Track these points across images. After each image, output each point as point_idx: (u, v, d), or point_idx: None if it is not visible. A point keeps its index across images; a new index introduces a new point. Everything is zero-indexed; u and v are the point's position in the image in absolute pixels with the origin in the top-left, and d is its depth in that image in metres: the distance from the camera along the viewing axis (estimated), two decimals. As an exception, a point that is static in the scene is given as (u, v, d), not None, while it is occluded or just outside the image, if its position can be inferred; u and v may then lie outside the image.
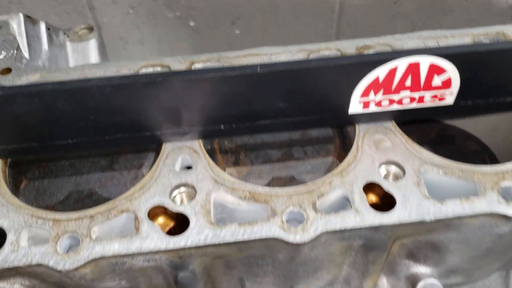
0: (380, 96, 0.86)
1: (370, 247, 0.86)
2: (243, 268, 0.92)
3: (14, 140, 0.86)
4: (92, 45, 1.40)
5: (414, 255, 0.97)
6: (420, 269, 0.99)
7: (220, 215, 0.87)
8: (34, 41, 1.21)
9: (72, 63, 1.39)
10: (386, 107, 0.88)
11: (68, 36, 1.40)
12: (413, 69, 0.82)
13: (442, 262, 0.96)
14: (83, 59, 1.41)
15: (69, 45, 1.39)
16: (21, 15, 1.14)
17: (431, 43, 1.03)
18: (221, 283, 0.97)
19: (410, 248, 0.95)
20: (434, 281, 0.97)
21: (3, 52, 1.08)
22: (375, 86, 0.84)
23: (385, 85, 0.84)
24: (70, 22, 2.08)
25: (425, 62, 0.81)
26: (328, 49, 1.04)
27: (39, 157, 0.92)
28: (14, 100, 0.78)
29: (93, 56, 1.41)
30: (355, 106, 0.87)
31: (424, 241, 0.90)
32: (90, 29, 1.43)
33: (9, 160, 0.91)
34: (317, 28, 2.33)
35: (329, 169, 0.92)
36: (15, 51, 1.08)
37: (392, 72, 0.82)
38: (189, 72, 0.79)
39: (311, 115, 0.89)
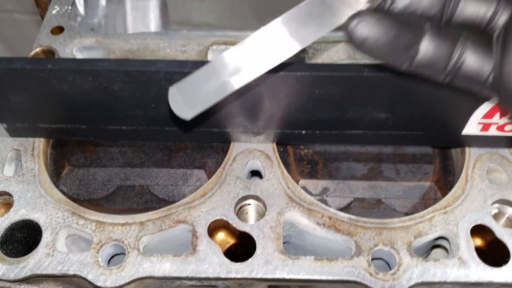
0: (506, 119, 0.69)
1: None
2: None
3: (61, 119, 0.73)
4: (153, 3, 1.25)
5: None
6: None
7: (287, 232, 0.73)
8: (91, -5, 1.07)
9: (130, 22, 1.25)
10: (509, 132, 0.71)
11: (129, -10, 1.25)
12: (560, 93, 0.64)
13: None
14: (142, 18, 1.26)
15: (128, 2, 1.24)
16: (79, -36, 1.00)
17: None
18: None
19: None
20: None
21: (56, 7, 0.94)
22: (503, 107, 0.66)
23: (517, 108, 0.66)
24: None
25: None
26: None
27: (86, 140, 0.79)
28: (63, 77, 0.64)
29: (154, 16, 1.26)
30: (472, 127, 0.70)
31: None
32: (153, -15, 1.27)
33: (51, 140, 0.79)
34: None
35: (425, 196, 0.76)
36: (69, 7, 0.94)
37: (532, 94, 0.64)
38: (275, 68, 0.63)
39: (414, 130, 0.72)
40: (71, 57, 0.87)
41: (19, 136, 0.77)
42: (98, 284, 0.64)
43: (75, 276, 0.65)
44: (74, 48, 0.88)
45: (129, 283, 0.64)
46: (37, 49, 0.84)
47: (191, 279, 0.65)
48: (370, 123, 0.71)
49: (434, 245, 0.77)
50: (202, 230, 0.68)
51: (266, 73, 0.62)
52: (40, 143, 0.77)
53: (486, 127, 0.70)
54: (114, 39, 0.88)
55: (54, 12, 0.93)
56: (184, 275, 0.64)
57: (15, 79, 0.65)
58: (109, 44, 0.88)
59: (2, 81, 0.66)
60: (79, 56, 0.88)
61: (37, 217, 0.69)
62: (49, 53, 0.85)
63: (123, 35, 0.89)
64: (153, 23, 1.27)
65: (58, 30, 0.90)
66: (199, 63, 0.63)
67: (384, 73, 0.62)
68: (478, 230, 0.69)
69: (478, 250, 0.66)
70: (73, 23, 0.92)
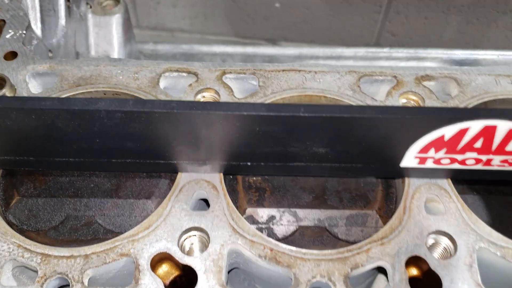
0: (441, 154, 0.71)
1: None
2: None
3: (7, 152, 0.74)
4: (116, 20, 1.25)
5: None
6: None
7: (235, 259, 0.75)
8: (49, 16, 1.07)
9: (92, 39, 1.25)
10: (445, 165, 0.74)
11: (91, 7, 1.25)
12: (488, 132, 0.67)
13: None
14: (105, 35, 1.27)
15: (90, 18, 1.25)
16: (35, -17, 1.00)
17: (505, 83, 0.87)
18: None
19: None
20: None
21: (10, 31, 0.94)
22: (438, 144, 0.69)
23: (450, 144, 0.69)
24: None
25: (504, 126, 0.66)
26: (383, 74, 0.89)
27: (36, 170, 0.80)
28: (7, 115, 0.65)
29: (116, 33, 1.26)
30: (409, 161, 0.73)
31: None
32: (117, 0, 1.28)
33: (1, 170, 0.79)
34: (364, 11, 2.14)
35: (367, 224, 0.79)
36: (24, 31, 0.95)
37: (462, 132, 0.67)
38: (215, 106, 0.65)
39: (354, 163, 0.75)
40: (23, 84, 0.87)
41: (-33, 167, 0.77)
42: (41, 318, 0.65)
43: (18, 311, 0.66)
44: (27, 75, 0.88)
45: (71, 317, 0.66)
46: (-13, 77, 0.85)
47: (133, 313, 0.67)
48: (311, 157, 0.73)
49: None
50: (145, 264, 0.69)
51: (205, 111, 0.64)
52: (-12, 173, 0.77)
53: (422, 160, 0.73)
54: (68, 65, 0.89)
55: (8, 36, 0.93)
56: (126, 308, 0.66)
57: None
58: (62, 71, 0.88)
59: None
60: (32, 82, 0.89)
61: (-17, 250, 0.70)
62: (1, 80, 0.85)
63: (77, 61, 0.89)
64: (116, 39, 1.27)
65: (11, 55, 0.90)
66: (140, 102, 0.66)
67: (321, 114, 0.64)
68: (415, 260, 0.72)
69: (414, 279, 0.69)
70: (28, 48, 0.93)
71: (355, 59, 1.39)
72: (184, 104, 0.65)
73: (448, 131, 0.67)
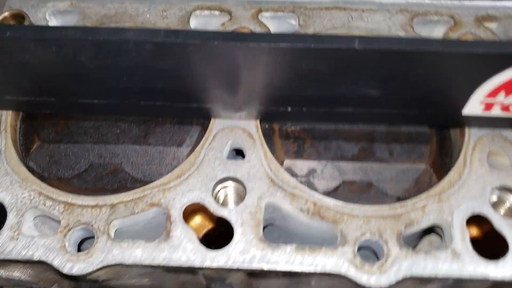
0: (511, 99, 0.62)
1: (458, 288, 0.67)
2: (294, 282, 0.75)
3: (27, 92, 0.68)
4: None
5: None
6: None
7: (271, 215, 0.69)
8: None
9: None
10: (514, 112, 0.65)
11: None
12: None
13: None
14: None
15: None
16: None
17: None
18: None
19: None
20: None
21: (29, -34, 0.87)
22: (509, 86, 0.60)
23: (524, 87, 0.60)
24: None
25: None
26: (438, 14, 0.79)
27: (57, 113, 0.73)
28: (25, 47, 0.58)
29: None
30: (473, 107, 0.64)
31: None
32: None
33: (20, 113, 0.73)
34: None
35: (420, 180, 0.71)
36: (44, -34, 0.87)
37: (541, 72, 0.58)
38: (257, 38, 0.57)
39: (409, 108, 0.66)
40: (43, 22, 0.80)
41: (-16, 109, 0.72)
42: (64, 271, 0.60)
43: (40, 262, 0.61)
44: (47, 12, 0.81)
45: (96, 270, 0.60)
46: (6, 13, 0.78)
47: (163, 267, 0.61)
48: (360, 101, 0.65)
49: (428, 230, 0.72)
50: (177, 215, 0.63)
51: (246, 44, 0.57)
52: (8, 116, 0.72)
53: (488, 106, 0.64)
54: (90, 2, 0.81)
55: (27, -29, 0.86)
56: (156, 262, 0.60)
57: (-29, 48, 0.59)
58: (85, 8, 0.81)
59: (-42, 50, 0.60)
60: (52, 21, 0.82)
61: (2, 197, 0.65)
62: (19, 17, 0.78)
63: (101, -2, 0.82)
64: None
65: (31, -8, 0.83)
66: (173, 32, 0.58)
67: (378, 47, 0.56)
68: (475, 219, 0.64)
69: (473, 241, 0.62)
70: (48, -16, 0.85)
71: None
72: (223, 35, 0.57)
73: (524, 70, 0.58)
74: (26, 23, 0.78)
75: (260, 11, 0.80)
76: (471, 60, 0.57)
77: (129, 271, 0.65)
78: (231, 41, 0.56)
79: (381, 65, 0.59)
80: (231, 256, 0.60)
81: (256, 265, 0.60)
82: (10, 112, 0.72)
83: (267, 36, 0.57)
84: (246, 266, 0.60)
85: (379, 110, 0.67)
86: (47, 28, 0.60)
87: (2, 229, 0.63)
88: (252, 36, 0.57)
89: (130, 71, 0.62)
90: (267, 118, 0.71)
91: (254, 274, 0.67)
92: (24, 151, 0.72)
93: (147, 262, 0.60)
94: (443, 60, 0.58)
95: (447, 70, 0.59)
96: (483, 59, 0.57)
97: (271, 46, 0.56)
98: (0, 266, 0.66)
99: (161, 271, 0.66)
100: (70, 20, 0.82)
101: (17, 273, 0.67)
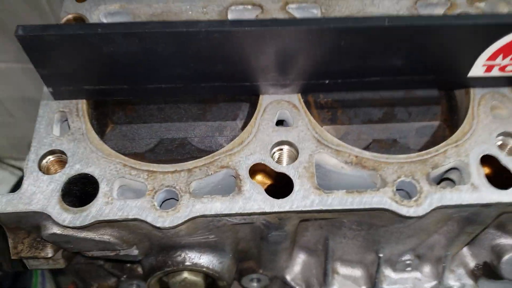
0: (507, 60, 0.77)
1: (473, 220, 0.81)
2: (333, 229, 0.89)
3: (104, 81, 0.79)
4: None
5: (505, 227, 0.93)
6: (509, 241, 0.95)
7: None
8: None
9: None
10: (509, 72, 0.80)
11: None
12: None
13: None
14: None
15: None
16: None
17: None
18: (305, 241, 0.94)
19: (502, 220, 0.91)
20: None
21: (77, -26, 0.98)
22: (506, 49, 0.75)
23: (517, 50, 0.75)
24: None
25: None
26: (437, -4, 0.94)
27: (124, 100, 0.85)
28: (112, 40, 0.70)
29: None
30: (477, 69, 0.79)
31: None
32: None
33: (90, 102, 0.85)
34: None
35: (436, 134, 0.85)
36: (90, -26, 0.98)
37: (531, 36, 0.73)
38: (308, 22, 0.70)
39: (426, 74, 0.81)
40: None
41: (62, 99, 0.82)
42: (158, 225, 0.72)
43: (135, 219, 0.73)
44: (100, 14, 0.92)
45: (184, 222, 0.72)
46: (69, 16, 0.89)
47: (240, 215, 0.73)
48: (387, 70, 0.79)
49: (442, 178, 0.86)
50: (244, 173, 0.76)
51: (299, 27, 0.70)
52: (83, 104, 0.82)
53: (489, 68, 0.79)
54: (138, 3, 0.93)
55: (76, -21, 0.97)
56: (233, 211, 0.73)
57: (66, 44, 0.71)
58: (134, 9, 0.92)
59: (54, 47, 0.71)
60: (106, 22, 0.93)
61: (92, 170, 0.76)
62: (80, 19, 0.89)
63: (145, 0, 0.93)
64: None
65: (82, -3, 0.94)
66: (237, 21, 0.71)
67: (405, 23, 0.70)
68: (486, 160, 0.79)
69: (487, 176, 0.76)
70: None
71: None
72: (279, 21, 0.70)
73: (518, 35, 0.72)
74: (85, 24, 0.89)
75: (287, 3, 0.93)
76: (477, 30, 0.72)
77: (205, 225, 0.77)
78: (287, 26, 0.70)
79: (404, 39, 0.73)
80: (294, 202, 0.73)
81: (316, 207, 0.73)
82: (84, 101, 0.83)
83: (317, 20, 0.70)
84: (308, 208, 0.73)
85: (402, 77, 0.81)
86: (132, 23, 0.71)
87: (97, 196, 0.74)
88: (303, 21, 0.71)
89: (197, 57, 0.74)
90: (307, 91, 0.84)
91: (305, 220, 0.80)
92: (100, 134, 0.83)
93: (226, 211, 0.73)
94: (455, 32, 0.72)
95: (457, 40, 0.73)
96: (486, 28, 0.72)
97: (321, 27, 0.70)
98: (93, 230, 0.77)
99: (229, 225, 0.78)
100: (122, 20, 0.93)
101: (106, 236, 0.78)
